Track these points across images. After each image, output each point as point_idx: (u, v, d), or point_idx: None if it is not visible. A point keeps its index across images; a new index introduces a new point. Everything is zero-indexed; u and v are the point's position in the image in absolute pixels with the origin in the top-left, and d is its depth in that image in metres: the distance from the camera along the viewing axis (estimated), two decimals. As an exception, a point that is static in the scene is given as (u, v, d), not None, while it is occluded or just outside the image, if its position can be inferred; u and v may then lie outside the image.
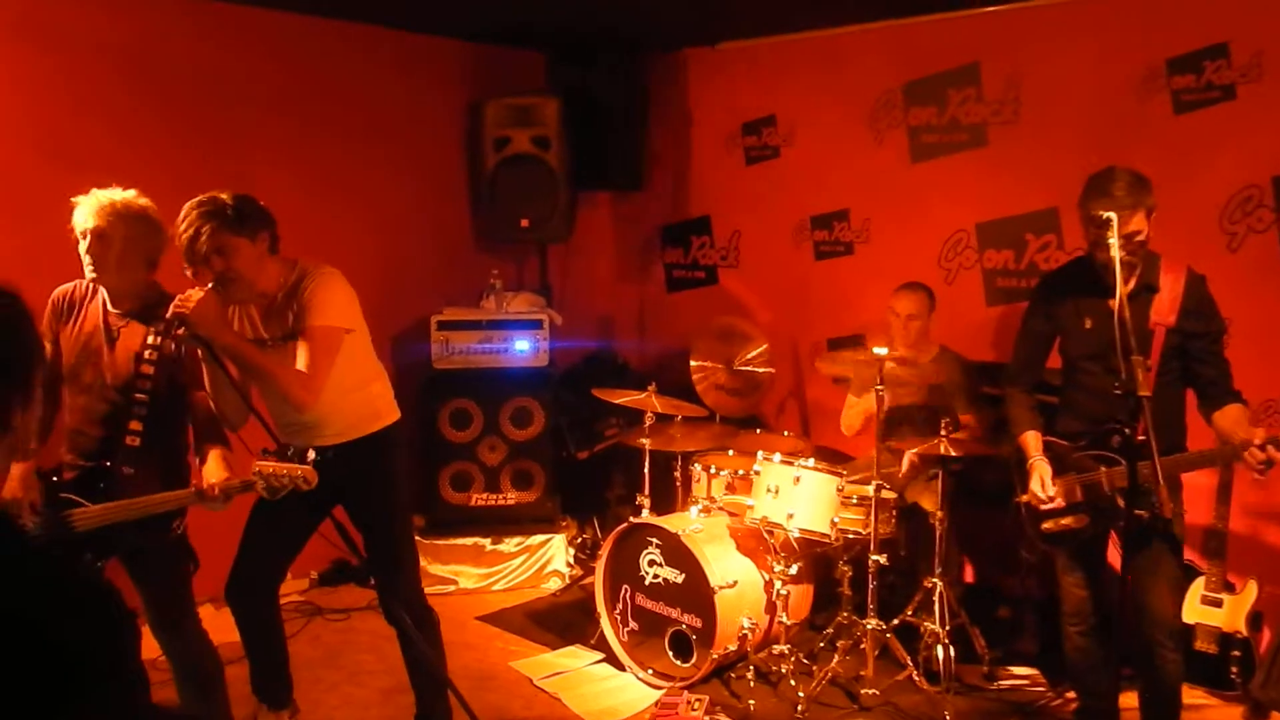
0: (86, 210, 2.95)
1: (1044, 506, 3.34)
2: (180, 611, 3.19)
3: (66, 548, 2.87)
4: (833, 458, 4.93)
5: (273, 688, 3.56)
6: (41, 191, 3.00)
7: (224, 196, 3.06)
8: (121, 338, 3.04)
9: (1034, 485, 3.36)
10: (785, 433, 5.27)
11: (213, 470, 3.01)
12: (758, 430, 5.22)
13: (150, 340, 2.99)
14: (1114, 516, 3.22)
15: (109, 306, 3.08)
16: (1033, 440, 3.47)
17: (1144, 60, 4.44)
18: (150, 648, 3.12)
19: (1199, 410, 3.30)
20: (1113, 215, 2.93)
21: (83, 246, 2.96)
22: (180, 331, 2.87)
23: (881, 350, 4.03)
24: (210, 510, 2.92)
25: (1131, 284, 3.24)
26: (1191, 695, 3.84)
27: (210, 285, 2.98)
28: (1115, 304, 2.88)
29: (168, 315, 2.88)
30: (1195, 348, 3.25)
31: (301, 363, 3.09)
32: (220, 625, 3.50)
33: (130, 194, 3.02)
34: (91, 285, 3.10)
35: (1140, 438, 3.10)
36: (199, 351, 3.00)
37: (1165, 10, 4.38)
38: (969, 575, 5.02)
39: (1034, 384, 3.60)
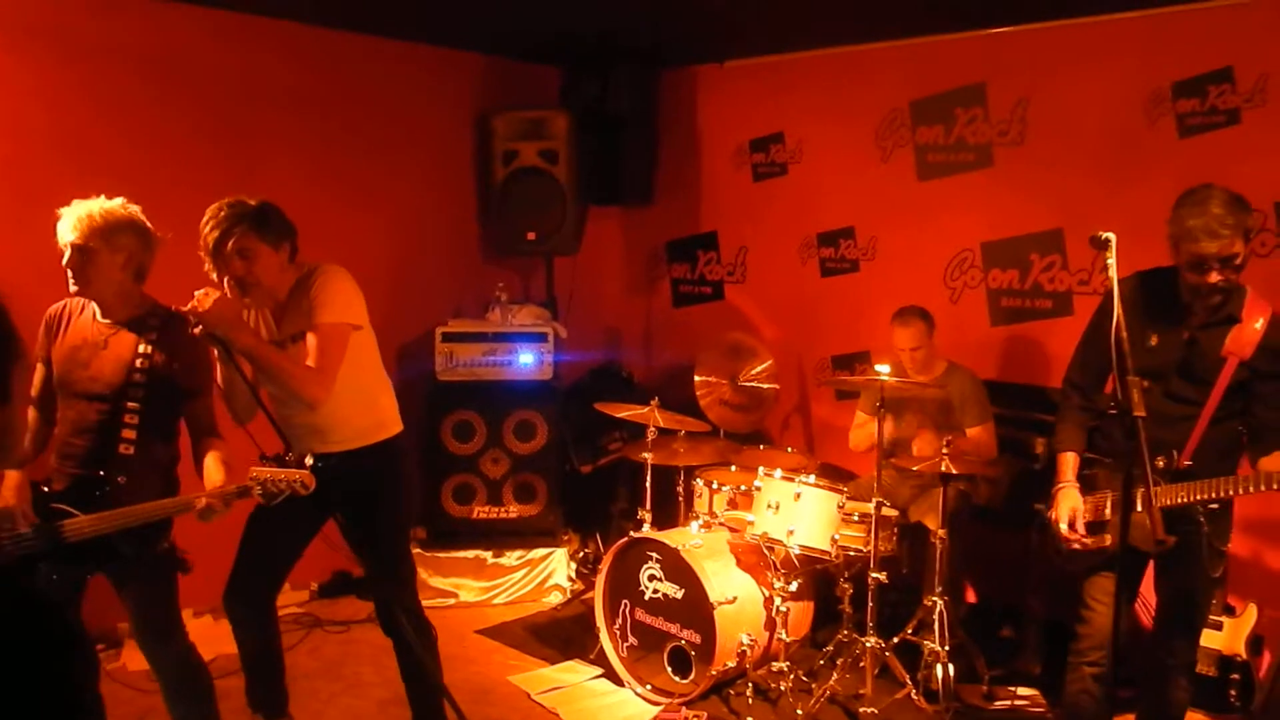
0: (66, 224, 2.93)
1: (1067, 534, 3.23)
2: (168, 625, 3.16)
3: (53, 560, 2.84)
4: (837, 475, 4.94)
5: (269, 698, 3.55)
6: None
7: (252, 201, 3.14)
8: (110, 347, 3.02)
9: (1060, 513, 3.24)
10: (789, 449, 5.27)
11: (212, 475, 3.00)
12: (761, 446, 5.22)
13: (141, 349, 2.99)
14: (1138, 539, 3.00)
15: (99, 317, 3.07)
16: (1070, 462, 3.33)
17: (1149, 84, 4.46)
18: (139, 661, 3.12)
19: (1247, 451, 3.16)
20: (1111, 236, 2.88)
21: (64, 260, 2.95)
22: (197, 330, 2.92)
23: (883, 368, 4.04)
24: (206, 520, 2.89)
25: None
26: (1191, 718, 3.82)
27: (226, 285, 3.05)
28: (1112, 327, 2.83)
29: (184, 311, 2.92)
30: (1263, 390, 3.09)
31: (312, 359, 3.14)
32: (218, 636, 3.50)
33: (115, 204, 2.99)
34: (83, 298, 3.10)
35: (1186, 462, 3.08)
36: (214, 351, 3.05)
37: (1171, 34, 4.39)
38: (972, 594, 5.01)
39: (1091, 395, 3.40)
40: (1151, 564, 3.31)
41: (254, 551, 3.40)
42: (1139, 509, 2.94)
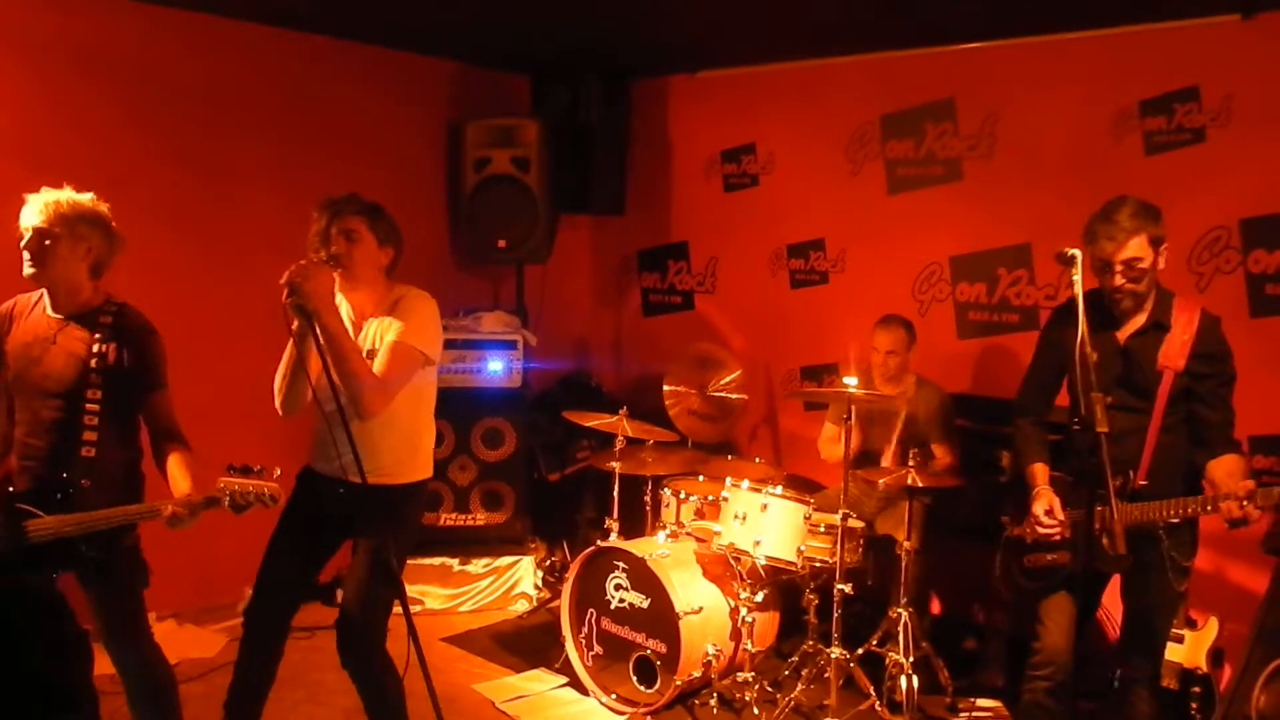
0: (32, 208, 2.92)
1: (1043, 531, 3.26)
2: (133, 626, 3.12)
3: (20, 560, 2.82)
4: (805, 486, 4.94)
5: (247, 710, 3.49)
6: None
7: (371, 201, 3.26)
8: (60, 342, 2.97)
9: (1038, 508, 3.26)
10: (757, 459, 5.27)
11: (179, 483, 2.96)
12: (729, 456, 5.22)
13: (95, 347, 2.95)
14: (1097, 557, 3.02)
15: (49, 311, 3.02)
16: (1041, 471, 3.38)
17: (1117, 101, 4.52)
18: (104, 664, 3.09)
19: (1195, 455, 3.19)
20: (1076, 253, 2.93)
21: (23, 243, 2.92)
22: (288, 299, 2.86)
23: (850, 381, 4.05)
24: (174, 528, 2.85)
25: (1141, 320, 3.20)
26: (1152, 731, 3.85)
27: (330, 259, 3.09)
28: (1079, 336, 2.87)
29: (282, 281, 2.85)
30: (1201, 389, 3.15)
31: (378, 368, 3.10)
32: (184, 640, 3.45)
33: (85, 196, 2.98)
34: (38, 294, 3.06)
35: (1142, 481, 3.12)
36: (291, 325, 2.94)
37: (1138, 53, 4.45)
38: (937, 606, 5.03)
39: (1043, 415, 3.48)
40: (1117, 577, 3.35)
41: (275, 575, 3.34)
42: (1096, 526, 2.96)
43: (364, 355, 3.15)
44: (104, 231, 3.00)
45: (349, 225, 3.16)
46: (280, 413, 3.21)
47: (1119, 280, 3.10)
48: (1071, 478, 3.37)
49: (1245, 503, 2.85)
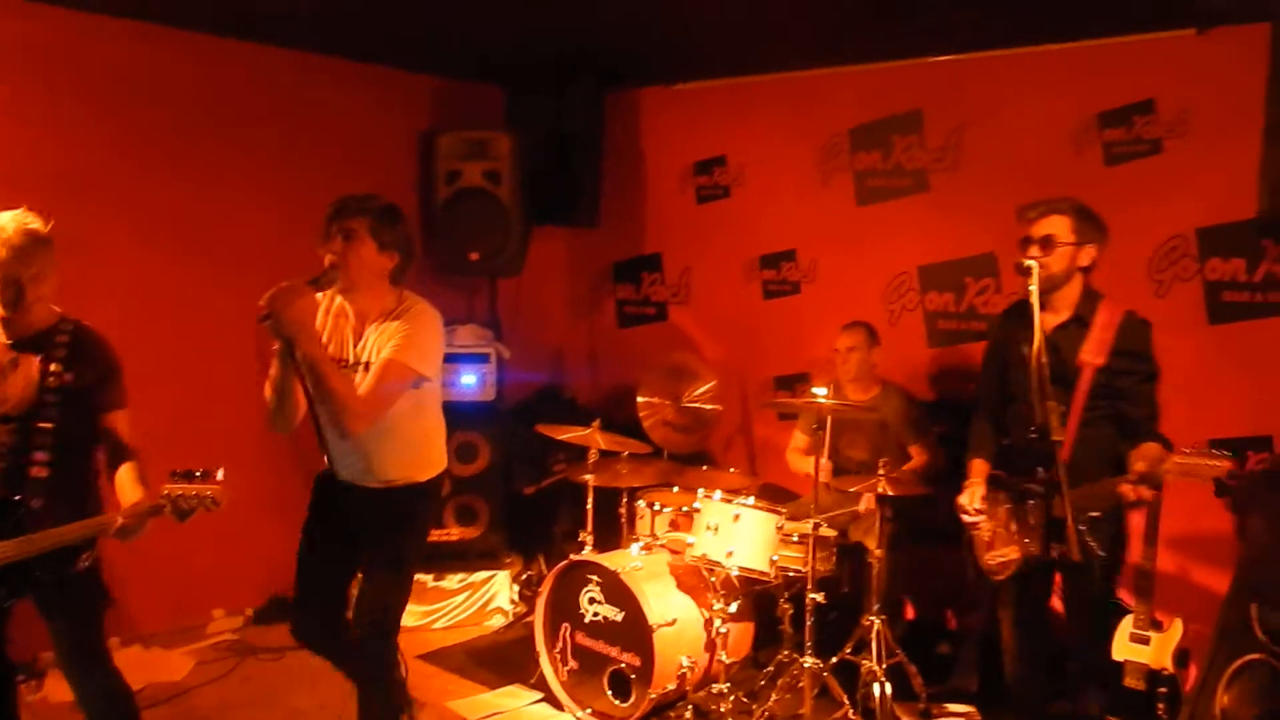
0: None
1: (964, 518, 3.48)
2: (93, 652, 3.06)
3: None
4: (779, 495, 4.97)
5: None
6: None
7: (384, 201, 3.22)
8: (20, 367, 2.93)
9: (962, 498, 3.50)
10: (732, 470, 5.29)
11: (128, 493, 2.92)
12: (704, 467, 5.24)
13: (51, 369, 2.91)
14: (1045, 550, 3.31)
15: (2, 338, 2.97)
16: (977, 467, 3.61)
17: (1078, 113, 4.59)
18: (63, 692, 3.02)
19: (1121, 449, 3.34)
20: (1034, 263, 3.05)
21: None
22: (266, 322, 2.85)
23: (820, 390, 4.09)
24: (125, 540, 2.83)
25: (1066, 315, 3.36)
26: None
27: (314, 279, 3.03)
28: (1035, 345, 2.97)
29: (261, 303, 2.83)
30: (1123, 386, 3.31)
31: (364, 389, 3.08)
32: (146, 665, 3.41)
33: (9, 216, 2.90)
34: None
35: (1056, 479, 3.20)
36: (274, 346, 2.98)
37: (1098, 66, 4.53)
38: (911, 612, 5.06)
39: (997, 414, 3.66)
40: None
41: (309, 588, 3.37)
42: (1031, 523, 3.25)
43: (359, 366, 3.17)
44: (40, 249, 2.91)
45: (348, 225, 3.12)
46: (271, 430, 3.19)
47: (1034, 251, 3.30)
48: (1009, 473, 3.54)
49: (1140, 484, 3.08)
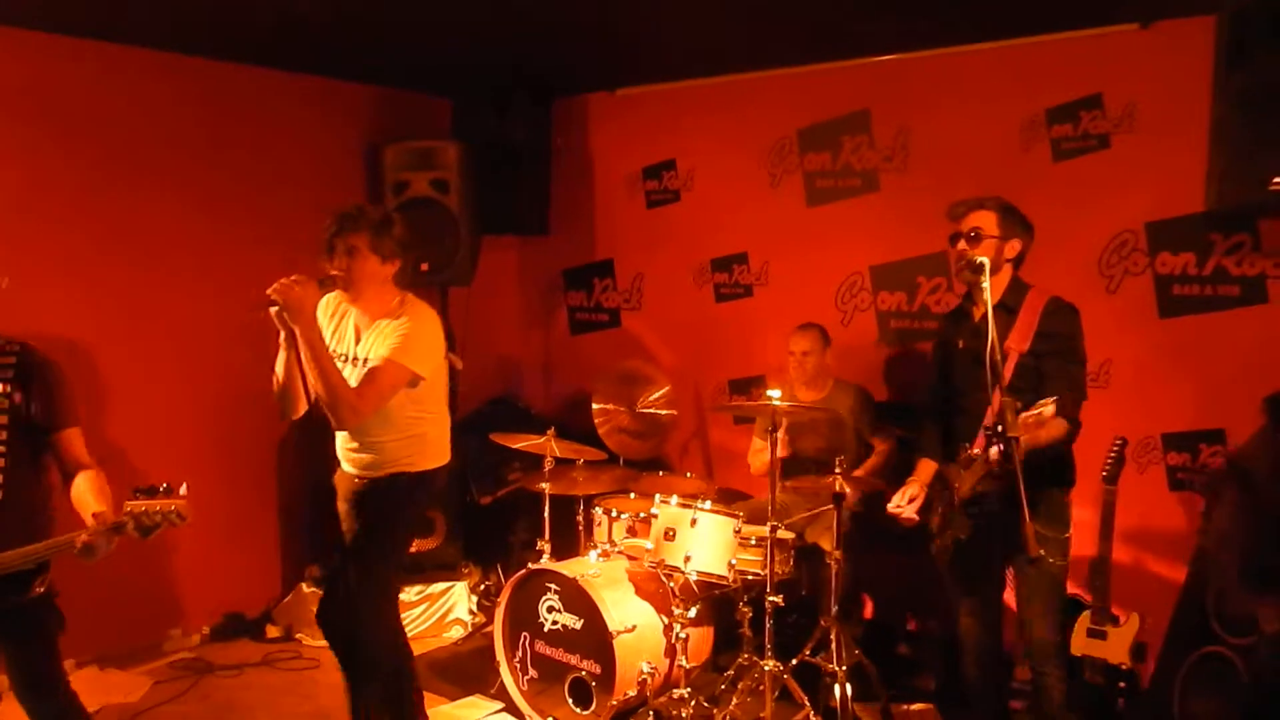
0: None
1: (890, 509, 3.61)
2: (48, 676, 3.00)
3: None
4: (736, 499, 4.95)
5: None
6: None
7: (386, 211, 3.46)
8: None
9: (894, 499, 3.60)
10: (688, 474, 5.27)
11: (90, 505, 2.85)
12: (661, 473, 5.21)
13: (2, 389, 2.85)
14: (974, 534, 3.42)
15: None
16: (923, 467, 3.68)
17: (1025, 110, 4.62)
18: (17, 716, 2.97)
19: None
20: (985, 260, 3.10)
21: None
22: (273, 311, 3.09)
23: (774, 393, 4.07)
24: (88, 559, 2.74)
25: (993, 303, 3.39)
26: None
27: (321, 280, 3.24)
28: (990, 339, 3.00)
29: (266, 292, 3.05)
30: (1045, 367, 3.35)
31: (358, 385, 3.27)
32: (104, 687, 3.34)
33: None
34: None
35: (975, 450, 3.35)
36: (280, 334, 3.18)
37: (1045, 62, 4.56)
38: (870, 611, 5.06)
39: (942, 413, 3.70)
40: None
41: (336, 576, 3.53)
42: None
43: (360, 362, 3.35)
44: None
45: (351, 242, 3.31)
46: (280, 417, 3.45)
47: (961, 245, 3.40)
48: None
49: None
